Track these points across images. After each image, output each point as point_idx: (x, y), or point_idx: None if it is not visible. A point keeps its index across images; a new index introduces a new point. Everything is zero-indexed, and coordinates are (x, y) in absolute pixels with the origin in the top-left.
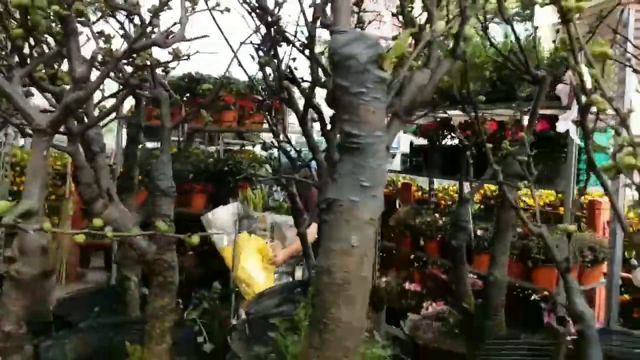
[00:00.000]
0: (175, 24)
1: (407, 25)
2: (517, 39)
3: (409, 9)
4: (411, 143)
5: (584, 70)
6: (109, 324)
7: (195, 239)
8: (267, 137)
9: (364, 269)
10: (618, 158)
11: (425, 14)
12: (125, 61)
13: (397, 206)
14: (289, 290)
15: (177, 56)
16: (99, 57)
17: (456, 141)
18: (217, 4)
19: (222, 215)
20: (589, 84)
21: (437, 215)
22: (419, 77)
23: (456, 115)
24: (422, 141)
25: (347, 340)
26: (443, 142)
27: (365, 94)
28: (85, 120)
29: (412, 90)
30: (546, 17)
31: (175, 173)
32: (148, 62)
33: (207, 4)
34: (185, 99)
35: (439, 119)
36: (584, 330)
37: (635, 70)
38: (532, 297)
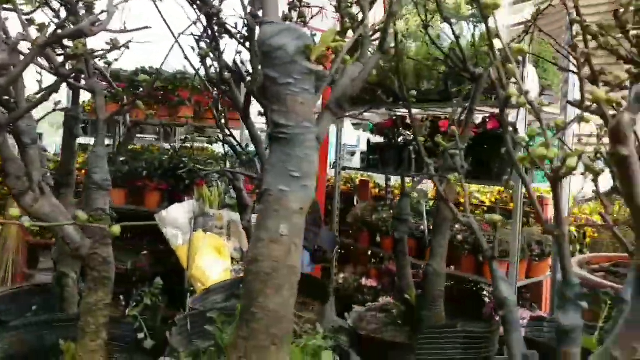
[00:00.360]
0: (102, 12)
1: (344, 20)
2: (457, 37)
3: (348, 4)
4: (368, 141)
5: (531, 70)
6: (43, 321)
7: (115, 229)
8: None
9: (292, 258)
10: (531, 149)
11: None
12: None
13: (355, 203)
14: (237, 286)
15: (115, 46)
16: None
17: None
18: None
19: (177, 214)
20: (535, 82)
21: (392, 211)
22: (350, 71)
23: (417, 113)
24: (379, 139)
25: (275, 328)
26: (399, 140)
27: (293, 84)
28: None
29: (344, 84)
30: (501, 18)
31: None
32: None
33: None
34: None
35: (394, 117)
36: (507, 316)
37: (574, 72)
38: (484, 291)
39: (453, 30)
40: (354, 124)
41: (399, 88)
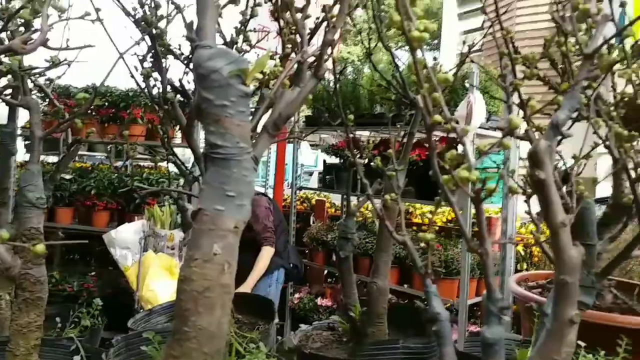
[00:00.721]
0: (36, 30)
1: (285, 45)
2: (396, 65)
3: (291, 30)
4: (324, 161)
5: (478, 96)
6: None
7: (39, 248)
8: (182, 152)
9: (225, 277)
10: (455, 172)
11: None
12: None
13: (312, 222)
14: None
15: (54, 63)
16: None
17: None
18: (87, 13)
19: (127, 233)
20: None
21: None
22: (288, 95)
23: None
24: (335, 160)
25: (207, 346)
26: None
27: (229, 107)
28: None
29: (281, 107)
30: (451, 46)
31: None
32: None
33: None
34: (90, 111)
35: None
36: (440, 330)
37: (503, 100)
38: None
39: (393, 58)
40: (312, 145)
41: (340, 111)
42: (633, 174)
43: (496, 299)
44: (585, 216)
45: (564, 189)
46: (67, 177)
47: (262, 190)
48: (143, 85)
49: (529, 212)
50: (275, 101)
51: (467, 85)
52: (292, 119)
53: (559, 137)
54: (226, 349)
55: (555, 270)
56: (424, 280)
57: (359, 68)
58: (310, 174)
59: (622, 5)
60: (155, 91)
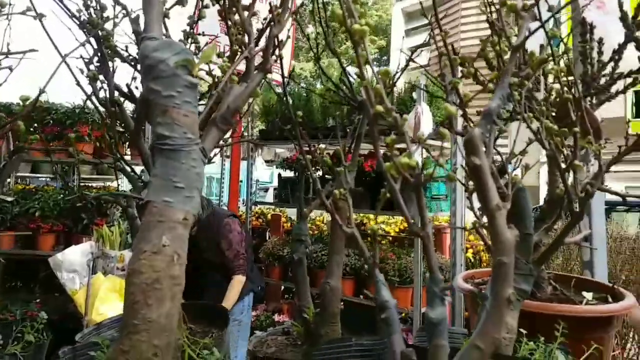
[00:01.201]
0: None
1: (232, 44)
2: (344, 69)
3: (238, 31)
4: (279, 175)
5: (425, 108)
6: None
7: None
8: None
9: (175, 269)
10: (395, 158)
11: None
12: None
13: (268, 238)
14: None
15: None
16: None
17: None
18: (29, 9)
19: (74, 256)
20: (429, 119)
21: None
22: (236, 89)
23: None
24: (290, 174)
25: (157, 339)
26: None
27: (176, 97)
28: None
29: (229, 100)
30: (400, 62)
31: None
32: None
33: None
34: (33, 128)
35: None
36: (388, 317)
37: (443, 99)
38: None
39: (343, 68)
40: (266, 161)
41: (291, 112)
42: (563, 166)
43: (438, 280)
44: (521, 206)
45: (502, 181)
46: (9, 199)
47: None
48: (88, 90)
49: (470, 207)
50: (223, 96)
51: (414, 97)
52: (246, 133)
53: (495, 127)
54: (178, 354)
55: (493, 253)
56: (372, 269)
57: (311, 83)
58: (266, 190)
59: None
60: (102, 94)
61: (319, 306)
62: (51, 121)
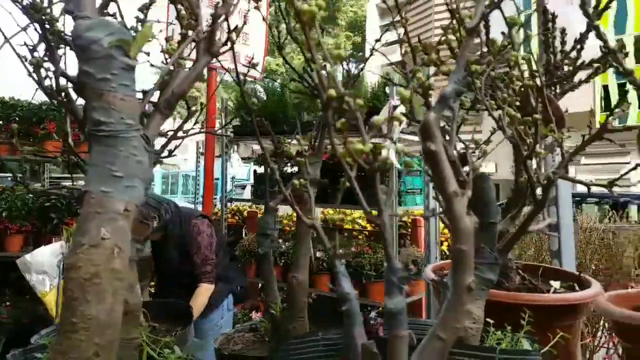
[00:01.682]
0: None
1: (182, 27)
2: (307, 60)
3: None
4: (255, 172)
5: (398, 102)
6: None
7: None
8: None
9: (116, 262)
10: (349, 144)
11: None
12: None
13: (244, 235)
14: None
15: None
16: None
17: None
18: None
19: (43, 257)
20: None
21: (280, 241)
22: (182, 73)
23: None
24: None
25: (98, 337)
26: (284, 170)
27: (111, 80)
28: None
29: (174, 84)
30: (376, 58)
31: None
32: None
33: None
34: None
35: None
36: (348, 309)
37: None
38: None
39: (302, 51)
40: (243, 159)
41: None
42: (525, 153)
43: (396, 269)
44: (485, 195)
45: (463, 169)
46: None
47: (191, 206)
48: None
49: (436, 197)
50: (169, 80)
51: (387, 91)
52: (221, 131)
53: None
54: (136, 353)
55: (452, 240)
56: (332, 261)
57: (287, 79)
58: (243, 187)
59: None
60: (47, 82)
61: (286, 301)
62: (17, 118)
